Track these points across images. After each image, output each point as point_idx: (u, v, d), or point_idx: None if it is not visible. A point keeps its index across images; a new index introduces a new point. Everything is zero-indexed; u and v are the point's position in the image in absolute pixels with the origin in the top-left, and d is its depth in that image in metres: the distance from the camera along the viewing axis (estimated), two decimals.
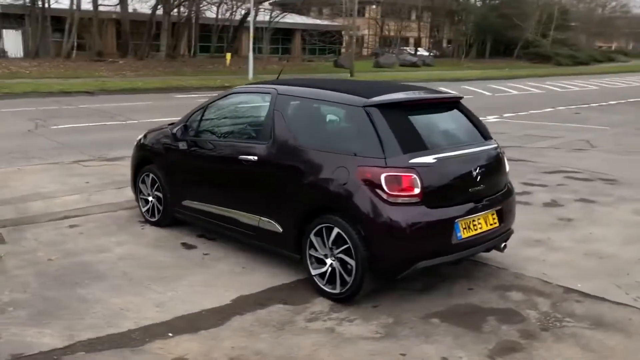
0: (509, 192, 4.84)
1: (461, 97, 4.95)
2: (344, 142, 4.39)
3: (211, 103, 5.57)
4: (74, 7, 31.45)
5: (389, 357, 3.58)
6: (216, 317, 4.06)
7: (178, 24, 36.37)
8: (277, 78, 5.74)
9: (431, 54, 52.68)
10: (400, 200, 4.04)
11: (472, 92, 24.81)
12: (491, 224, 4.52)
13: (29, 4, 32.14)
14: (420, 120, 4.54)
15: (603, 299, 4.46)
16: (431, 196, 4.15)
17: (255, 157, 4.79)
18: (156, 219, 6.00)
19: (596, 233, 6.08)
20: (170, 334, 3.80)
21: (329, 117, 4.62)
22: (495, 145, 4.79)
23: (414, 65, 41.88)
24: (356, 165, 4.15)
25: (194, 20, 37.75)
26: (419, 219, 4.08)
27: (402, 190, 4.04)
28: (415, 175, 4.06)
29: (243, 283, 4.65)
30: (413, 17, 57.30)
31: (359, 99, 4.37)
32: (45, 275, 4.74)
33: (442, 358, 3.58)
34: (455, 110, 4.84)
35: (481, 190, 4.44)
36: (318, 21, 50.51)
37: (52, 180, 7.96)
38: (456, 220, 4.23)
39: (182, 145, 5.57)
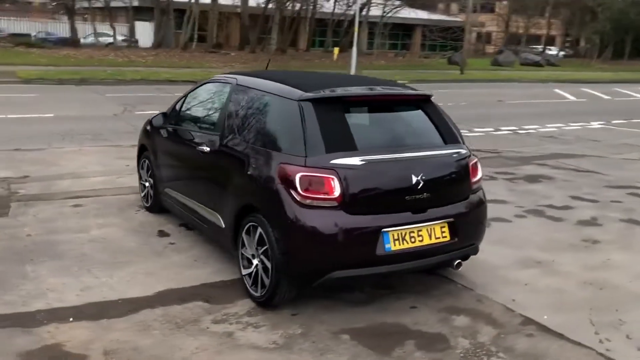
0: (473, 204, 4.29)
1: (428, 96, 4.46)
2: (276, 138, 4.12)
3: (190, 92, 5.53)
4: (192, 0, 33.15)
5: None
6: (127, 307, 4.00)
7: (291, 18, 37.09)
8: (266, 68, 5.56)
9: (561, 53, 49.21)
10: (315, 203, 3.72)
11: (588, 95, 22.87)
12: (438, 238, 4.03)
13: None
14: (361, 119, 4.17)
15: (561, 336, 3.83)
16: (353, 201, 3.78)
17: (208, 148, 4.68)
18: (149, 204, 6.08)
19: (616, 260, 5.27)
20: (70, 319, 3.79)
21: (268, 109, 4.36)
22: (459, 151, 4.26)
23: (536, 64, 39.37)
24: (279, 162, 3.89)
25: (309, 15, 38.31)
26: (335, 226, 3.72)
27: (318, 192, 3.71)
28: (334, 177, 3.72)
29: (183, 276, 4.56)
30: (546, 13, 53.86)
31: (297, 92, 4.08)
32: (9, 249, 4.95)
33: None
34: (417, 111, 4.37)
35: (424, 199, 3.97)
36: (439, 17, 49.15)
37: (98, 162, 8.38)
38: (385, 230, 3.81)
39: (163, 133, 5.61)
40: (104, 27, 36.44)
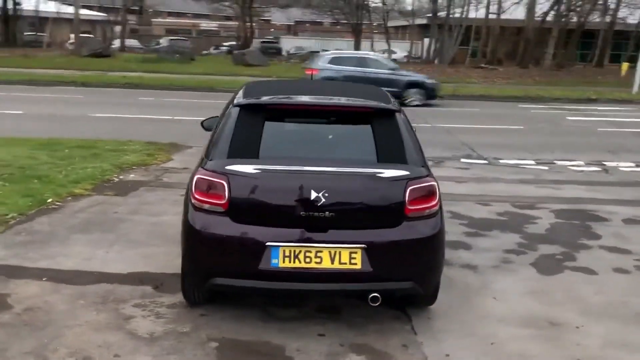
0: (408, 233, 3.74)
1: (384, 110, 4.01)
2: (210, 142, 4.21)
3: None
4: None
5: (100, 351, 3.54)
6: (92, 279, 4.55)
7: (581, 31, 33.92)
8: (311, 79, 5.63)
9: None
10: (205, 207, 3.75)
11: None
12: (343, 264, 3.65)
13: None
14: (288, 128, 4.00)
15: None
16: (241, 209, 3.70)
17: None
18: None
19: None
20: (44, 279, 4.53)
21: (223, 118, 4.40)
22: (389, 171, 3.76)
23: None
24: (198, 166, 4.03)
25: (605, 27, 34.50)
26: (217, 232, 3.70)
27: (208, 196, 3.74)
28: (223, 183, 3.70)
29: (172, 263, 4.91)
30: None
31: (241, 99, 4.14)
32: (86, 220, 5.96)
33: None
34: (361, 125, 3.99)
35: (325, 219, 3.64)
36: None
37: None
38: (274, 245, 3.64)
39: None
40: (393, 45, 38.67)
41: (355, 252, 3.66)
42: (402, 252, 3.75)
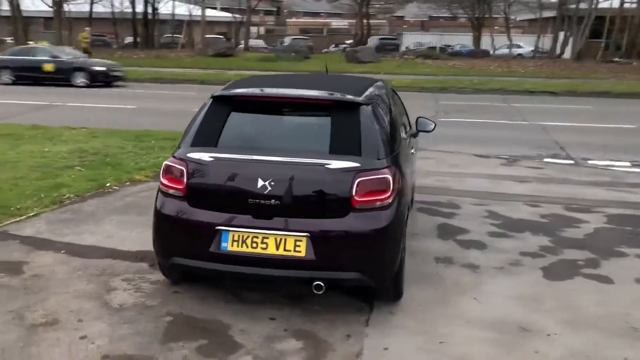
0: (355, 224, 3.74)
1: (346, 102, 4.02)
2: (186, 131, 4.41)
3: None
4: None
5: (68, 316, 3.93)
6: (102, 254, 5.03)
7: None
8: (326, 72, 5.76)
9: None
10: (170, 191, 4.02)
11: None
12: (288, 251, 3.76)
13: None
14: (250, 119, 4.15)
15: None
16: (196, 195, 3.92)
17: None
18: None
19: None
20: (63, 251, 5.09)
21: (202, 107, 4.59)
22: (336, 162, 3.77)
23: None
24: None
25: None
26: (175, 214, 3.95)
27: (170, 181, 4.01)
28: (183, 169, 3.95)
29: None
30: None
31: (221, 90, 4.37)
32: (133, 204, 6.59)
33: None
34: (322, 117, 4.04)
35: (271, 206, 3.76)
36: None
37: None
38: (225, 229, 3.83)
39: None
40: (519, 39, 36.88)
41: (300, 240, 3.73)
42: (348, 243, 3.76)
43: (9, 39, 37.84)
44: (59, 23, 33.64)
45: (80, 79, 20.05)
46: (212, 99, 4.20)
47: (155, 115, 13.76)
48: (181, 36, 43.27)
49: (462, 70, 28.31)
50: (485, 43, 36.93)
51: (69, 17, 37.78)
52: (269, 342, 3.69)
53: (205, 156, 3.93)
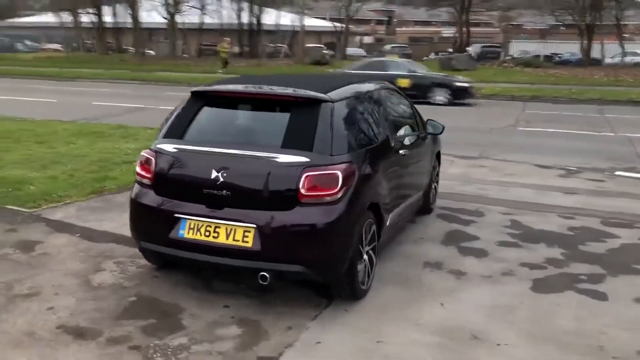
0: (299, 217, 3.80)
1: (306, 98, 4.08)
2: (163, 124, 4.62)
3: None
4: None
5: (49, 289, 4.29)
6: (111, 239, 5.47)
7: None
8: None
9: None
10: (142, 180, 4.30)
11: None
12: (236, 241, 3.89)
13: None
14: (220, 113, 4.33)
15: None
16: (160, 183, 4.16)
17: None
18: None
19: None
20: (77, 235, 5.57)
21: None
22: (284, 157, 3.86)
23: None
24: None
25: None
26: (143, 201, 4.21)
27: (143, 170, 4.28)
28: (152, 159, 4.21)
29: None
30: None
31: (203, 86, 4.61)
32: None
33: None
34: (282, 113, 4.13)
35: (222, 197, 3.91)
36: None
37: None
38: (183, 217, 4.04)
39: None
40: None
41: (249, 231, 3.86)
42: (292, 236, 3.83)
43: (130, 48, 41.04)
44: (173, 33, 36.04)
45: (440, 95, 18.12)
46: (190, 94, 4.44)
47: None
48: (284, 46, 44.69)
49: (562, 79, 26.83)
50: (599, 51, 34.67)
51: (181, 28, 40.36)
52: (212, 327, 3.83)
53: (170, 147, 4.17)
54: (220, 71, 27.40)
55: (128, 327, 3.80)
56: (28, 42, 54.65)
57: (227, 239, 3.90)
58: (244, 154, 3.95)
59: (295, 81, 4.85)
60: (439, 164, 6.85)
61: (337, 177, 3.84)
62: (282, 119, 4.13)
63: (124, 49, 42.52)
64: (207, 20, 42.37)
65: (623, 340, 3.79)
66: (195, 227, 3.98)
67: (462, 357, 3.56)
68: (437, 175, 6.73)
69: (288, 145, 3.94)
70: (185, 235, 4.01)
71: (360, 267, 4.16)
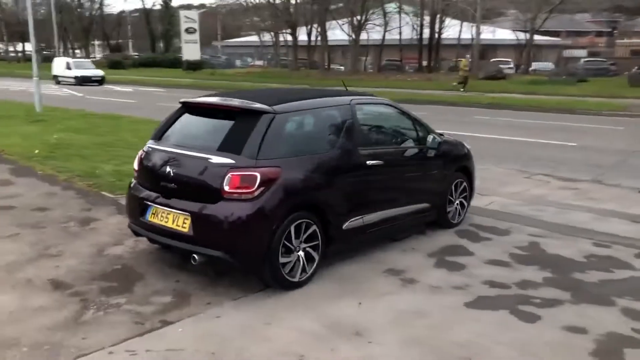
0: (220, 210, 4.46)
1: (249, 110, 4.72)
2: None
3: None
4: None
5: (56, 248, 5.49)
6: None
7: None
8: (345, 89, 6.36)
9: None
10: (134, 174, 5.31)
11: None
12: (178, 226, 4.68)
13: None
14: (188, 119, 5.16)
15: None
16: (140, 176, 5.12)
17: None
18: None
19: None
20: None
21: None
22: (215, 158, 4.53)
23: None
24: None
25: None
26: (131, 190, 5.20)
27: (135, 165, 5.28)
28: (139, 156, 5.20)
29: None
30: None
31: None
32: None
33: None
34: (230, 121, 4.80)
35: (171, 189, 4.72)
36: None
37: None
38: (149, 203, 4.95)
39: None
40: None
41: (187, 219, 4.62)
42: (215, 225, 4.49)
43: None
44: (355, 50, 37.87)
45: None
46: (179, 103, 5.34)
47: None
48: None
49: None
50: None
51: (365, 45, 42.08)
52: (152, 294, 4.65)
53: (148, 147, 5.11)
54: (462, 90, 26.90)
55: (93, 285, 4.80)
56: (249, 59, 61.43)
57: (173, 224, 4.70)
58: (189, 154, 4.73)
59: (265, 94, 5.51)
60: (470, 179, 6.84)
61: (256, 178, 4.42)
62: (229, 125, 4.83)
63: (315, 65, 45.71)
64: (388, 36, 43.59)
65: (496, 356, 3.79)
66: (155, 213, 4.86)
67: (324, 345, 3.89)
68: (466, 191, 6.74)
69: (223, 148, 4.62)
70: (149, 219, 4.90)
71: (286, 260, 4.64)
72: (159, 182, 4.86)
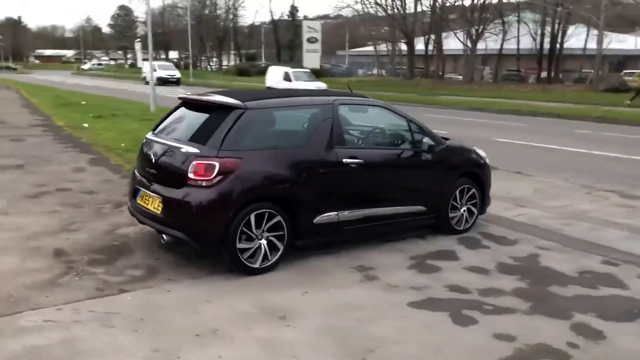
0: (184, 194, 4.88)
1: (223, 105, 5.10)
2: None
3: None
4: None
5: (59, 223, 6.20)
6: None
7: None
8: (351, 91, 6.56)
9: None
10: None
11: None
12: (155, 208, 5.18)
13: None
14: (184, 113, 5.61)
15: None
16: (137, 163, 5.71)
17: None
18: None
19: None
20: None
21: None
22: (185, 148, 4.96)
23: None
24: None
25: None
26: (131, 176, 5.81)
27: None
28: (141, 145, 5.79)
29: None
30: None
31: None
32: None
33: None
34: (206, 114, 5.24)
35: (153, 174, 5.22)
36: None
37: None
38: (139, 188, 5.48)
39: None
40: None
41: (160, 202, 5.11)
42: (179, 208, 4.93)
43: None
44: (471, 59, 36.94)
45: None
46: (178, 99, 5.86)
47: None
48: (591, 71, 40.93)
49: None
50: None
51: (482, 54, 40.83)
52: (129, 268, 5.17)
53: (145, 137, 5.66)
54: (629, 102, 25.20)
55: (85, 256, 5.42)
56: (374, 69, 62.12)
57: (151, 206, 5.21)
58: (168, 144, 5.21)
59: (250, 93, 5.88)
60: (482, 187, 6.69)
61: (214, 167, 4.79)
62: (205, 118, 5.25)
63: (430, 74, 45.20)
64: (506, 45, 41.90)
65: (400, 350, 3.83)
66: (142, 196, 5.40)
67: (242, 324, 4.15)
68: (475, 198, 6.61)
69: (193, 139, 5.05)
70: (138, 202, 5.45)
71: (245, 246, 4.94)
72: (147, 168, 5.38)
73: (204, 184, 4.84)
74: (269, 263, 5.12)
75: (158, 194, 5.11)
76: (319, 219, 5.32)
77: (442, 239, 6.33)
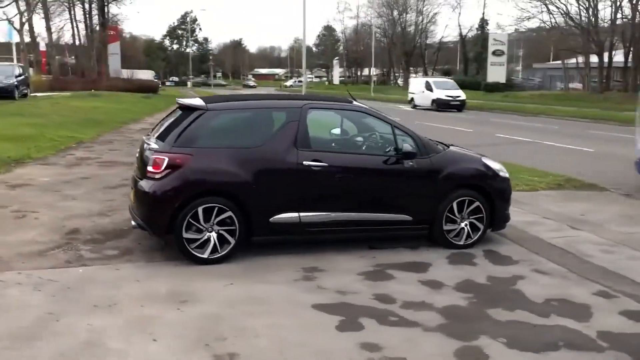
0: (142, 185, 5.39)
1: (190, 107, 5.56)
2: None
3: None
4: None
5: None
6: None
7: None
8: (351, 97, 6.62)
9: None
10: None
11: None
12: (131, 199, 5.82)
13: None
14: (171, 115, 6.14)
15: None
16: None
17: None
18: None
19: None
20: None
21: None
22: (152, 145, 5.49)
23: None
24: None
25: None
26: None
27: None
28: None
29: None
30: None
31: None
32: None
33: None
34: (179, 115, 5.69)
35: (137, 170, 5.86)
36: None
37: None
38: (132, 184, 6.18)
39: None
40: None
41: (134, 193, 5.73)
42: (138, 197, 5.49)
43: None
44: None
45: None
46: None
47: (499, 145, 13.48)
48: None
49: None
50: None
51: None
52: (109, 248, 5.84)
53: (142, 139, 6.33)
54: None
55: (88, 236, 6.23)
56: (577, 82, 57.51)
57: (134, 201, 5.83)
58: (147, 142, 5.78)
59: (227, 97, 6.26)
60: (491, 201, 6.18)
61: (163, 161, 5.26)
62: (176, 119, 5.75)
63: (628, 87, 40.23)
64: None
65: (240, 344, 3.89)
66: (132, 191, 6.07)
67: (140, 301, 4.52)
68: (481, 212, 6.12)
69: (160, 137, 5.58)
70: (130, 197, 6.13)
71: (193, 236, 5.30)
72: (138, 165, 6.04)
73: (156, 176, 5.32)
74: (219, 255, 5.40)
75: (135, 186, 5.72)
76: (276, 217, 5.47)
77: (432, 252, 6.02)
